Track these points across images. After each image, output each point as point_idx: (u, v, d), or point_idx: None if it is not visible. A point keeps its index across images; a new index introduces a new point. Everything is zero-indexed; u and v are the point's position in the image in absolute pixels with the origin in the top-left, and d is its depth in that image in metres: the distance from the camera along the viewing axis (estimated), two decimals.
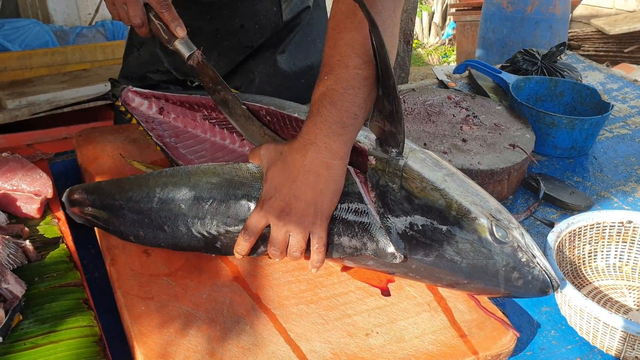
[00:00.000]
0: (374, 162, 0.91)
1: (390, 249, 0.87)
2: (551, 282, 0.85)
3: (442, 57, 7.97)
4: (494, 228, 0.84)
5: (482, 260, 0.84)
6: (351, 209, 0.90)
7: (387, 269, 0.91)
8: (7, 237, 0.92)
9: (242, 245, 0.90)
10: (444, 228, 0.85)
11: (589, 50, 5.41)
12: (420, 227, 0.86)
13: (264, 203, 0.87)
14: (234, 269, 0.94)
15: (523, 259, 0.84)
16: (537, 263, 0.85)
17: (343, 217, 0.90)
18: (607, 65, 2.34)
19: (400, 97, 1.44)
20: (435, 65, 6.63)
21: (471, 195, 0.88)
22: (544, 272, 0.85)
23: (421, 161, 0.91)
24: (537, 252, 0.86)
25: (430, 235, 0.85)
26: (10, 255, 0.90)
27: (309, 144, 0.85)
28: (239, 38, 1.45)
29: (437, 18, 8.75)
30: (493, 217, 0.86)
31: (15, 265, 0.90)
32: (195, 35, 1.14)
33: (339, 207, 0.89)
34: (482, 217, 0.85)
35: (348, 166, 0.91)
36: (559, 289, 0.87)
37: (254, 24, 1.43)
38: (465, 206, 0.86)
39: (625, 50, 5.23)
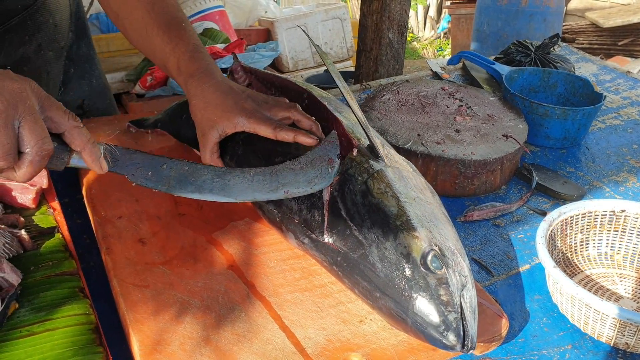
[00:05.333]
0: (355, 153, 0.91)
1: (321, 226, 0.86)
2: (464, 338, 0.75)
3: (438, 51, 7.98)
4: (430, 255, 0.78)
5: (400, 276, 0.78)
6: None
7: (314, 252, 0.89)
8: (3, 226, 0.92)
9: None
10: (380, 231, 0.81)
11: (583, 43, 5.42)
12: (360, 222, 0.83)
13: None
14: (229, 257, 0.95)
15: (443, 297, 0.76)
16: (460, 312, 0.76)
17: None
18: (602, 58, 2.35)
19: (395, 88, 1.45)
20: (430, 59, 6.63)
21: (431, 224, 0.83)
22: (460, 324, 0.76)
23: (402, 177, 0.89)
24: (470, 311, 0.77)
25: (365, 233, 0.82)
26: (6, 245, 0.90)
27: None
28: (56, 39, 1.30)
29: (432, 11, 8.75)
30: (439, 248, 0.80)
31: (11, 255, 0.90)
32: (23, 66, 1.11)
33: None
34: (425, 242, 0.79)
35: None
36: (471, 350, 0.75)
37: (57, 18, 1.29)
38: (414, 224, 0.81)
39: (619, 43, 5.25)
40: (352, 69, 3.01)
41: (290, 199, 0.92)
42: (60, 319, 0.83)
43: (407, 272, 0.78)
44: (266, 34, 4.10)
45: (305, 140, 0.94)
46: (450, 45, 7.06)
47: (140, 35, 1.06)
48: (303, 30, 1.24)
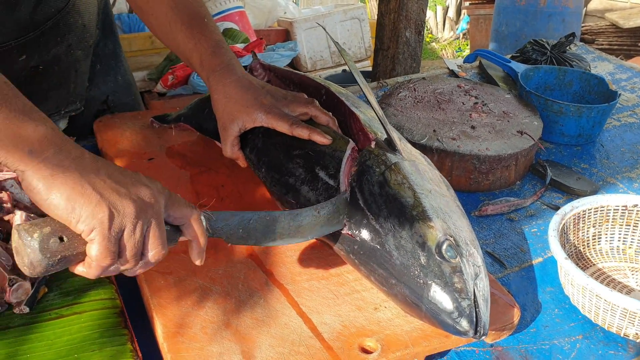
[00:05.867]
0: (373, 146, 0.94)
1: (340, 215, 0.89)
2: (476, 325, 0.77)
3: (457, 51, 7.97)
4: (445, 244, 0.80)
5: (415, 264, 0.80)
6: (326, 168, 0.94)
7: (333, 242, 0.91)
8: (33, 215, 0.96)
9: None
10: (397, 220, 0.84)
11: (602, 44, 5.40)
12: (377, 212, 0.86)
13: None
14: (249, 247, 0.98)
15: (457, 285, 0.78)
16: (473, 300, 0.78)
17: (317, 171, 0.95)
18: (621, 59, 2.35)
19: (411, 85, 1.47)
20: (448, 58, 6.64)
21: (446, 215, 0.85)
22: (473, 311, 0.78)
23: (419, 170, 0.91)
24: (483, 299, 0.79)
25: (382, 222, 0.85)
26: None
27: None
28: (85, 38, 1.34)
29: (451, 12, 8.74)
30: (454, 239, 0.82)
31: None
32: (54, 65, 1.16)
33: (315, 161, 0.96)
34: (440, 232, 0.82)
35: (349, 139, 0.97)
36: (483, 337, 0.78)
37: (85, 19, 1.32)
38: (430, 215, 0.83)
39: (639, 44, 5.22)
40: (370, 69, 3.04)
41: (308, 190, 0.95)
42: (87, 303, 0.86)
43: (423, 260, 0.80)
44: (285, 35, 4.14)
45: (320, 139, 0.98)
46: (469, 46, 7.06)
47: (165, 30, 1.10)
48: (322, 28, 1.27)
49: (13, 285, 0.83)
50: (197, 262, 0.78)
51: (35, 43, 1.17)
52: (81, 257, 0.68)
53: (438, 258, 0.80)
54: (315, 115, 1.04)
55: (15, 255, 0.65)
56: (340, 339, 0.82)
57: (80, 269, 0.69)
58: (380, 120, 0.95)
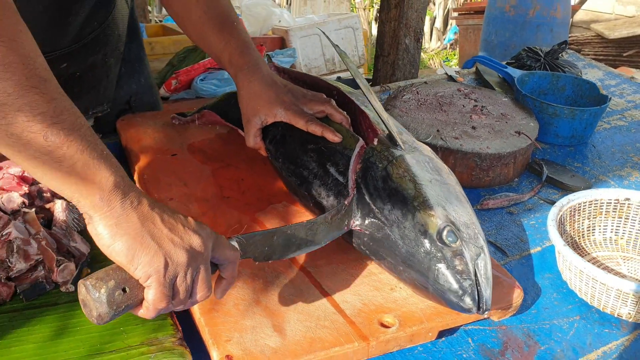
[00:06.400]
0: (375, 142, 1.02)
1: (348, 212, 0.96)
2: (479, 301, 0.85)
3: (444, 62, 8.09)
4: (445, 230, 0.87)
5: (419, 251, 0.88)
6: (336, 165, 1.02)
7: (345, 235, 0.98)
8: (72, 203, 1.03)
9: None
10: (400, 212, 0.91)
11: (588, 54, 5.52)
12: (381, 204, 0.93)
13: None
14: None
15: (458, 267, 0.86)
16: (474, 279, 0.86)
17: (327, 167, 1.03)
18: None
19: (414, 89, 1.56)
20: (445, 65, 6.78)
21: (446, 202, 0.92)
22: (476, 289, 0.85)
23: (419, 161, 0.99)
24: (484, 277, 0.87)
25: (387, 215, 0.92)
26: (75, 219, 1.01)
27: None
28: (118, 47, 1.43)
29: (438, 23, 8.88)
30: (454, 224, 0.89)
31: (80, 228, 1.01)
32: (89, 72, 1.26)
33: (327, 157, 1.04)
34: (441, 219, 0.89)
35: (359, 137, 1.04)
36: (486, 312, 0.86)
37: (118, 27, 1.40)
38: (430, 203, 0.90)
39: (624, 54, 5.35)
40: (364, 76, 3.13)
41: (319, 185, 1.03)
42: None
43: (426, 247, 0.88)
44: (280, 42, 4.23)
45: (332, 137, 1.07)
46: (456, 56, 7.19)
47: (198, 33, 1.21)
48: (325, 35, 1.35)
49: (60, 265, 0.91)
50: (218, 297, 0.82)
51: (77, 53, 1.26)
52: (140, 302, 0.73)
53: (439, 244, 0.87)
54: (331, 114, 1.12)
55: (82, 307, 0.70)
56: (361, 315, 0.89)
57: (140, 312, 0.74)
58: (379, 117, 1.04)
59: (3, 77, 0.61)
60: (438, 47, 8.71)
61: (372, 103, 1.04)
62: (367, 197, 0.96)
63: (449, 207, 0.92)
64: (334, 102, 1.14)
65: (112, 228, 0.69)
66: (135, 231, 0.70)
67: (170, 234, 0.72)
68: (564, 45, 1.82)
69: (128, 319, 0.86)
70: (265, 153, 1.18)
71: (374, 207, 0.94)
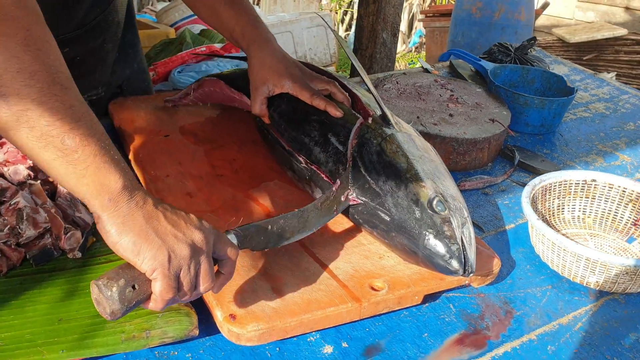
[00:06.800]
0: (370, 121, 1.10)
1: (334, 205, 1.02)
2: (465, 264, 0.92)
3: (409, 64, 8.22)
4: (435, 200, 0.94)
5: (411, 218, 0.94)
6: (337, 135, 1.10)
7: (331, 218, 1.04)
8: None
9: None
10: (393, 183, 0.98)
11: (554, 57, 5.69)
12: (376, 176, 1.00)
13: None
14: (265, 209, 1.11)
15: (447, 233, 0.92)
16: (460, 244, 0.92)
17: (328, 136, 1.11)
18: None
19: (394, 79, 1.63)
20: (420, 58, 6.88)
21: (435, 176, 0.99)
22: (462, 253, 0.92)
23: (409, 139, 1.06)
24: (468, 243, 0.93)
25: (381, 185, 0.99)
26: None
27: None
28: (117, 33, 1.48)
29: (403, 27, 9.00)
30: (443, 195, 0.96)
31: None
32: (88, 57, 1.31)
33: (329, 127, 1.12)
34: (431, 190, 0.96)
35: (357, 113, 1.12)
36: (470, 274, 0.93)
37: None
38: (421, 176, 0.98)
39: (584, 58, 5.52)
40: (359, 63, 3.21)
41: (319, 152, 1.10)
42: None
43: (417, 214, 0.95)
44: None
45: (334, 112, 1.14)
46: (423, 58, 7.31)
47: (209, 10, 1.28)
48: (323, 19, 1.41)
49: (67, 233, 0.95)
50: (215, 291, 0.86)
51: (78, 38, 1.30)
52: (149, 297, 0.78)
53: (430, 212, 0.95)
54: (334, 92, 1.21)
55: (96, 305, 0.75)
56: (353, 280, 0.96)
57: (150, 305, 0.79)
58: (375, 99, 1.11)
59: (29, 84, 0.67)
60: (403, 50, 8.84)
61: (367, 84, 1.11)
62: (362, 170, 1.03)
63: (438, 180, 0.99)
64: (337, 83, 1.22)
65: (119, 226, 0.73)
66: (140, 228, 0.74)
67: (173, 229, 0.77)
68: (532, 42, 1.92)
69: None
70: (268, 120, 1.24)
71: (369, 179, 1.01)
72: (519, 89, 1.76)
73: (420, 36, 8.15)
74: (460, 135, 1.39)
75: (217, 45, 2.82)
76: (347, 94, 1.21)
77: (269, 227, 0.95)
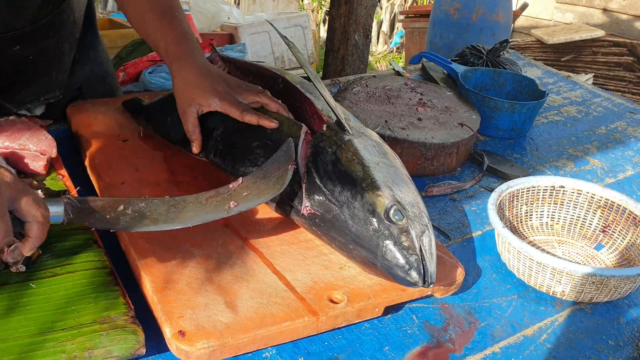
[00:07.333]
0: (324, 128, 1.06)
1: (300, 197, 1.00)
2: (424, 275, 0.89)
3: (390, 64, 8.21)
4: (392, 209, 0.91)
5: (368, 230, 0.91)
6: None
7: (296, 217, 1.02)
8: None
9: None
10: (349, 193, 0.95)
11: (528, 59, 5.71)
12: (332, 187, 0.97)
13: None
14: (225, 219, 1.07)
15: (405, 243, 0.89)
16: (419, 254, 0.90)
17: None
18: None
19: (363, 82, 1.60)
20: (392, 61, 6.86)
21: (393, 183, 0.96)
22: (421, 264, 0.89)
23: (367, 145, 1.02)
24: (428, 252, 0.91)
25: (337, 196, 0.96)
26: None
27: None
28: (73, 33, 1.44)
29: (385, 27, 9.00)
30: (400, 203, 0.93)
31: None
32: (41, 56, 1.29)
33: (274, 149, 1.04)
34: (388, 199, 0.92)
35: (302, 124, 1.07)
36: (431, 285, 0.90)
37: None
38: (378, 184, 0.94)
39: (562, 59, 5.55)
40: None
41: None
42: (79, 264, 0.94)
43: (374, 225, 0.92)
44: (229, 39, 4.23)
45: (268, 124, 1.09)
46: (402, 59, 7.31)
47: (139, 20, 1.23)
48: (272, 25, 1.38)
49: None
50: (25, 253, 0.84)
51: (30, 36, 1.25)
52: None
53: (387, 222, 0.92)
54: (266, 104, 1.15)
55: None
56: (312, 292, 0.92)
57: None
58: (327, 103, 1.07)
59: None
60: (385, 50, 8.83)
61: (319, 90, 1.07)
62: (317, 181, 0.99)
63: (395, 187, 0.96)
64: (268, 93, 1.17)
65: None
66: None
67: None
68: (505, 44, 1.90)
69: (80, 298, 0.87)
70: (199, 150, 1.18)
71: (325, 190, 0.97)
72: (490, 92, 1.74)
73: (401, 37, 8.15)
74: (428, 140, 1.36)
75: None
76: (297, 99, 1.17)
77: (122, 207, 0.89)
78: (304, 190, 1.00)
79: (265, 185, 0.99)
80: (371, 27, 2.66)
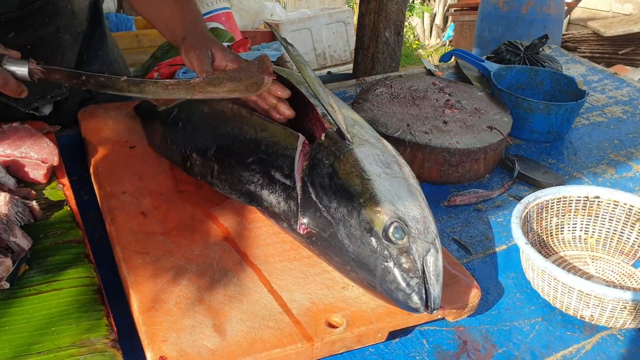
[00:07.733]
0: (323, 138, 0.98)
1: (296, 214, 0.93)
2: (427, 300, 0.82)
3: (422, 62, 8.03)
4: (391, 227, 0.84)
5: (365, 250, 0.85)
6: (280, 169, 0.97)
7: (294, 235, 0.96)
8: (16, 197, 0.99)
9: None
10: (346, 210, 0.88)
11: (585, 52, 5.49)
12: (328, 203, 0.89)
13: None
14: (224, 230, 1.02)
15: (405, 265, 0.83)
16: (422, 277, 0.83)
17: (272, 173, 0.98)
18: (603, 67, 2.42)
19: (388, 82, 1.52)
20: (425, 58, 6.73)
21: (394, 197, 0.88)
22: (423, 287, 0.82)
23: (370, 155, 0.95)
24: (434, 273, 0.84)
25: (333, 213, 0.89)
26: (18, 213, 0.98)
27: None
28: (74, 24, 1.41)
29: (438, 20, 8.82)
30: (401, 219, 0.86)
31: (23, 222, 0.98)
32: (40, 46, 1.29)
33: (271, 164, 0.99)
34: (387, 215, 0.85)
35: (298, 133, 1.01)
36: (434, 311, 0.83)
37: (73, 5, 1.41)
38: (377, 199, 0.87)
39: (620, 52, 5.31)
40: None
41: (268, 194, 0.98)
42: (66, 280, 0.90)
43: (372, 245, 0.85)
44: (271, 36, 4.18)
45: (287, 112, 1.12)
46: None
47: (151, 6, 1.27)
48: (275, 32, 1.33)
49: None
50: None
51: (22, 21, 1.24)
52: None
53: (385, 241, 0.84)
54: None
55: None
56: (309, 315, 0.86)
57: None
58: (326, 110, 1.00)
59: None
60: (437, 44, 8.65)
61: (319, 97, 1.00)
62: (313, 196, 0.92)
63: (398, 201, 0.88)
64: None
65: None
66: None
67: None
68: (544, 40, 1.78)
69: (61, 319, 0.83)
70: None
71: (321, 206, 0.91)
72: (526, 91, 1.63)
73: (454, 29, 7.97)
74: (452, 145, 1.27)
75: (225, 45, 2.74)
76: (302, 104, 1.11)
77: (83, 77, 1.06)
78: (298, 207, 0.93)
79: (232, 86, 1.05)
80: (403, 23, 2.55)
